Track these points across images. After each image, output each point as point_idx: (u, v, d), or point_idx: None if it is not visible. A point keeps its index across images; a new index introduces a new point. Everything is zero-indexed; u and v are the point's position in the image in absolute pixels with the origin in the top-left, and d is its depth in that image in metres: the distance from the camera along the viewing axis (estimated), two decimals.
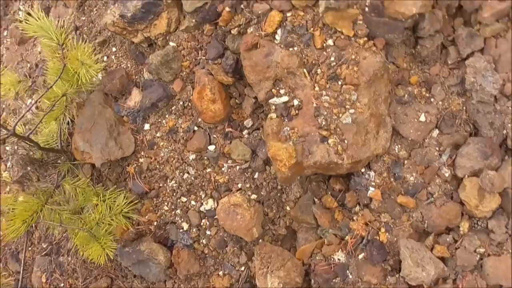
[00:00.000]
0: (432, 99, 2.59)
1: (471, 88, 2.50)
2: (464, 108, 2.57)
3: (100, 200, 2.97)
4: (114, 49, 3.37)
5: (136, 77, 3.25)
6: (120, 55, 3.35)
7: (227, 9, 2.71)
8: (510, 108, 2.50)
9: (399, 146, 2.62)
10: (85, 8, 3.62)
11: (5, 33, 4.61)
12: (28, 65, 4.17)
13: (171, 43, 2.99)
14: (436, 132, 2.58)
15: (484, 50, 2.54)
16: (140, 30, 3.06)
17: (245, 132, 2.90)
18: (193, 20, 2.87)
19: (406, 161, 2.61)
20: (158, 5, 2.92)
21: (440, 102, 2.58)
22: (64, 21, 3.84)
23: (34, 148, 3.10)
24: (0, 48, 4.55)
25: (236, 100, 2.94)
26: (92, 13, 3.58)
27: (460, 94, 2.58)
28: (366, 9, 2.44)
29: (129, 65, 3.29)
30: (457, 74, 2.58)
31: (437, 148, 2.57)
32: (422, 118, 2.56)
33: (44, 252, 3.51)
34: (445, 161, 2.56)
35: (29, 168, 3.19)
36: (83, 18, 3.62)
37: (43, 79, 3.88)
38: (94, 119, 3.19)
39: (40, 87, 3.91)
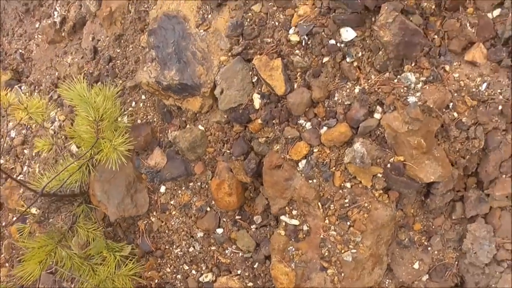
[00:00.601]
0: (429, 248, 2.80)
1: (467, 251, 2.70)
2: (457, 263, 2.78)
3: (110, 254, 3.22)
4: (143, 96, 3.48)
5: (161, 135, 3.39)
6: (148, 104, 3.46)
7: (259, 121, 2.82)
8: (497, 273, 2.71)
9: (390, 280, 2.85)
10: (122, 41, 3.67)
11: (37, 25, 4.61)
12: (56, 73, 4.22)
13: (200, 127, 3.11)
14: (425, 277, 2.81)
15: (487, 216, 2.72)
16: (173, 97, 3.16)
17: (253, 226, 3.10)
18: (225, 116, 2.98)
19: None
20: (195, 89, 3.01)
21: (436, 252, 2.79)
22: (98, 41, 3.91)
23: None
24: (31, 43, 4.59)
25: (251, 194, 3.11)
26: (127, 49, 3.64)
27: (456, 249, 2.79)
28: (388, 165, 2.58)
29: (155, 119, 3.41)
30: (458, 231, 2.77)
31: None
32: (416, 266, 2.78)
33: (49, 270, 3.78)
34: None
35: (53, 206, 3.40)
36: (118, 51, 3.68)
37: None
38: (114, 172, 3.35)
39: (66, 105, 4.03)
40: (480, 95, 2.53)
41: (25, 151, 4.26)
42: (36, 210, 3.68)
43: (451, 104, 2.54)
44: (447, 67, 2.54)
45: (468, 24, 2.51)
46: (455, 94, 2.54)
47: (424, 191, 2.76)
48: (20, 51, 4.58)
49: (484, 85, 2.52)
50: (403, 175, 2.58)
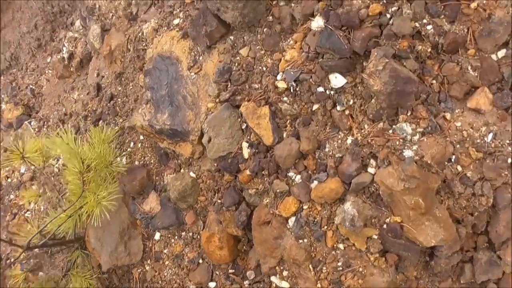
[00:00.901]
0: None
1: None
2: None
3: None
4: (141, 137, 3.37)
5: (157, 178, 3.26)
6: (146, 145, 3.35)
7: (248, 172, 2.64)
8: None
9: None
10: (122, 79, 3.59)
11: (48, 60, 4.62)
12: (64, 109, 4.20)
13: (192, 174, 2.95)
14: None
15: (500, 282, 2.41)
16: (166, 141, 3.03)
17: (246, 282, 2.90)
18: (215, 165, 2.81)
19: None
20: (185, 136, 2.87)
21: None
22: (103, 77, 3.85)
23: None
24: (42, 78, 4.59)
25: (244, 247, 2.92)
26: (128, 87, 3.56)
27: None
28: (385, 225, 2.33)
29: (152, 161, 3.29)
30: None
31: None
32: None
33: None
34: None
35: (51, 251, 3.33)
36: (119, 88, 3.62)
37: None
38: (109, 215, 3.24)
39: None
40: (486, 146, 2.25)
41: (33, 187, 4.22)
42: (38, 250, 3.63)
43: (453, 156, 2.27)
44: (448, 115, 2.27)
45: (469, 67, 2.24)
46: (458, 146, 2.27)
47: (428, 251, 2.48)
48: (31, 86, 4.59)
49: (490, 135, 2.24)
50: (401, 237, 2.32)
